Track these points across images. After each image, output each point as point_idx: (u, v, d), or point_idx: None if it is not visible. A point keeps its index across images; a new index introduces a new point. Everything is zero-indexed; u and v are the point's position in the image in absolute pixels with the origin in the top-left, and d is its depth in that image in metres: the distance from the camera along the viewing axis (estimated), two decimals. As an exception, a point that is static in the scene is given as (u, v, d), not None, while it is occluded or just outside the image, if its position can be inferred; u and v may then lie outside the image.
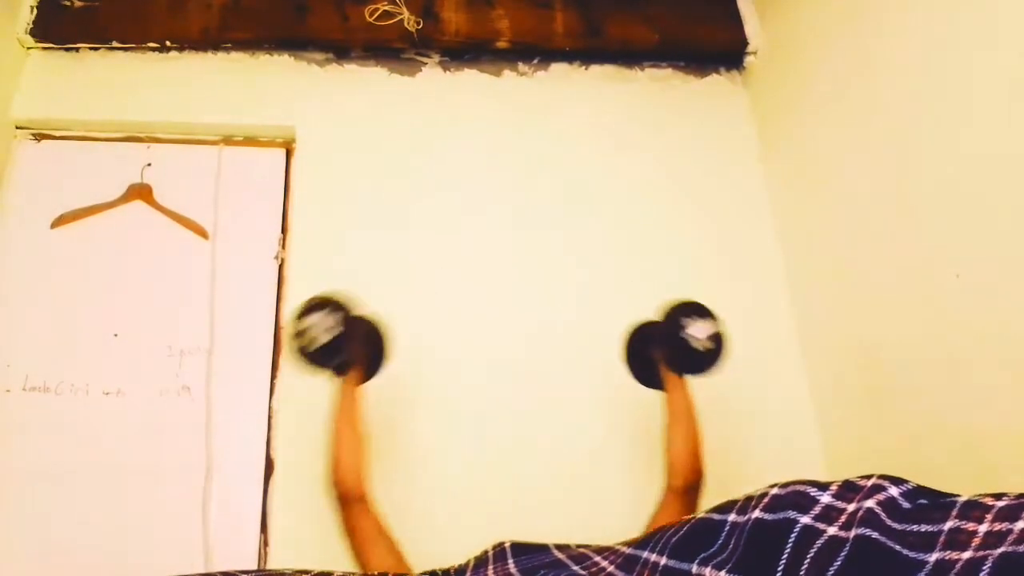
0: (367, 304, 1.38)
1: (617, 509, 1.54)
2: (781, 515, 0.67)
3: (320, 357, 1.31)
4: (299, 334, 1.30)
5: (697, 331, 1.36)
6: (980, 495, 0.59)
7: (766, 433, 1.71)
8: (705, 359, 1.37)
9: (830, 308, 1.68)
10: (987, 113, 1.21)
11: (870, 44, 1.53)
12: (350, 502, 1.20)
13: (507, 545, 0.97)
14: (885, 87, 1.47)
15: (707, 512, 0.78)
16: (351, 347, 1.33)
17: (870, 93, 1.52)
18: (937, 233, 1.33)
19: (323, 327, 1.30)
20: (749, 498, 0.73)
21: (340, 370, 1.33)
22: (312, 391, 1.65)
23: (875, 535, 0.59)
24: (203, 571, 1.50)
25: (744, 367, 1.75)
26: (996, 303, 1.19)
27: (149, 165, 1.85)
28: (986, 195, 1.21)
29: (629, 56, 2.06)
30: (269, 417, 1.66)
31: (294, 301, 1.71)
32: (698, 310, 1.39)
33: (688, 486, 1.22)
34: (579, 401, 1.70)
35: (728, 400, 1.73)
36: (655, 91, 2.05)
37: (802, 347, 1.78)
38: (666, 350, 1.39)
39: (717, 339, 1.37)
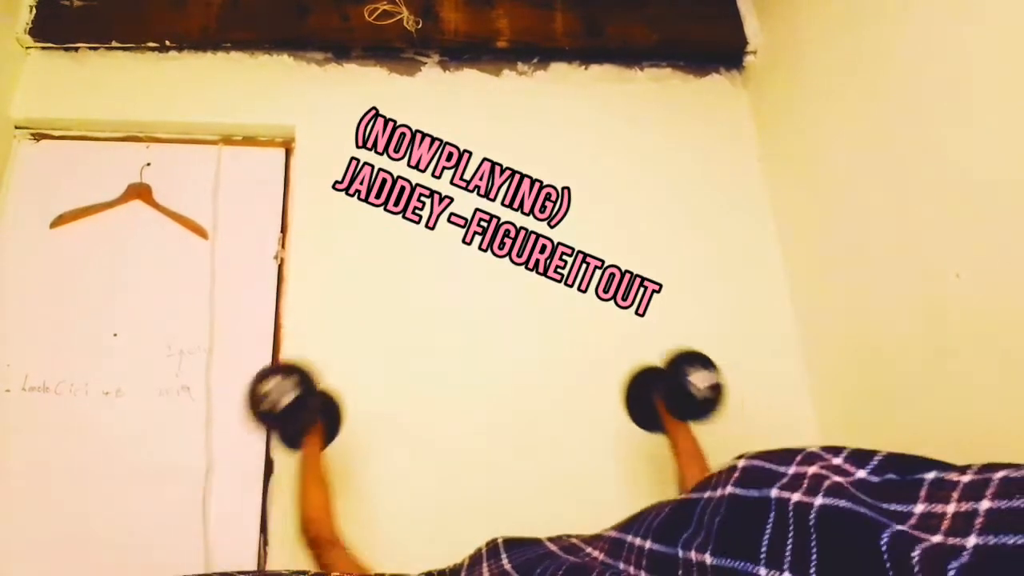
0: (326, 374, 1.42)
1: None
2: (754, 492, 0.67)
3: (280, 420, 1.35)
4: (260, 398, 1.33)
5: (699, 380, 1.43)
6: (948, 468, 0.60)
7: (766, 433, 1.70)
8: (704, 407, 1.44)
9: (830, 307, 1.68)
10: (987, 112, 1.21)
11: (870, 43, 1.52)
12: (323, 545, 1.22)
13: (500, 541, 0.97)
14: (885, 86, 1.47)
15: (687, 493, 0.79)
16: (309, 413, 1.37)
17: (870, 92, 1.52)
18: (937, 232, 1.33)
19: (283, 391, 1.33)
20: (720, 472, 0.74)
21: (298, 436, 1.38)
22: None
23: (842, 503, 0.60)
24: (202, 572, 1.50)
25: (744, 366, 1.76)
26: (996, 303, 1.19)
27: (148, 165, 1.85)
28: (986, 194, 1.21)
29: (629, 56, 2.06)
30: (269, 417, 1.66)
31: (294, 301, 1.73)
32: (700, 360, 1.46)
33: None
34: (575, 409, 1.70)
35: (728, 399, 1.73)
36: (655, 91, 2.05)
37: (802, 346, 1.78)
38: (668, 396, 1.46)
39: (717, 389, 1.44)
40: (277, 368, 1.41)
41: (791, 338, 1.80)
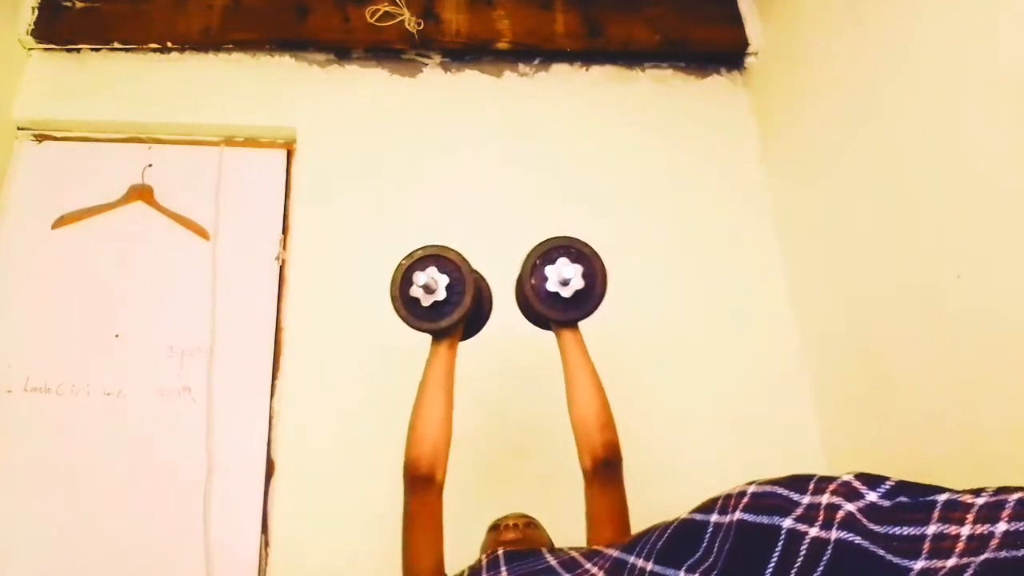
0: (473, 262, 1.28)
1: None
2: (765, 519, 0.67)
3: (428, 314, 1.20)
4: (408, 285, 1.22)
5: (556, 280, 1.22)
6: (960, 492, 0.60)
7: (766, 433, 1.71)
8: (579, 300, 1.21)
9: (830, 308, 1.68)
10: (987, 112, 1.21)
11: (870, 44, 1.52)
12: (416, 483, 1.08)
13: (501, 553, 0.97)
14: (885, 87, 1.47)
15: (690, 512, 0.78)
16: (460, 307, 1.20)
17: (870, 93, 1.52)
18: (938, 233, 1.32)
19: (436, 282, 1.21)
20: (728, 496, 0.73)
21: (445, 331, 1.21)
22: (312, 392, 1.67)
23: (856, 539, 0.60)
24: (203, 573, 1.50)
25: (744, 366, 1.76)
26: (997, 303, 1.19)
27: (150, 166, 1.86)
28: (986, 195, 1.21)
29: (630, 57, 2.06)
30: (270, 418, 1.66)
31: (294, 302, 1.73)
32: (554, 253, 1.25)
33: (597, 464, 1.09)
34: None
35: (728, 399, 1.73)
36: (656, 92, 2.05)
37: (803, 346, 1.78)
38: (540, 308, 1.23)
39: (587, 275, 1.21)
40: (430, 256, 1.25)
41: (791, 338, 1.80)
